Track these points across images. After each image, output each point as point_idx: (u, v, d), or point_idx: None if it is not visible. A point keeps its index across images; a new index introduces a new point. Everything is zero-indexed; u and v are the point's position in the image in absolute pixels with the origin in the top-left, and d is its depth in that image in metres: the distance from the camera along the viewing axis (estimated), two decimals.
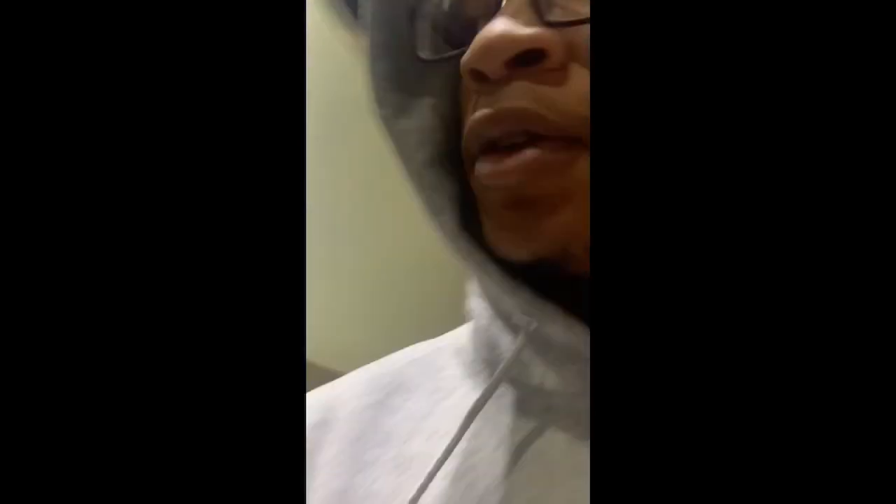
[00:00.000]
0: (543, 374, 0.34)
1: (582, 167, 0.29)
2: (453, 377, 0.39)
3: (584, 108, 0.28)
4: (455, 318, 0.43)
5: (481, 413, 0.34)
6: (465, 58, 0.30)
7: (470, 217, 0.35)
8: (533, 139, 0.30)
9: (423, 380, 0.40)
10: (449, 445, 0.33)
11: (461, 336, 0.42)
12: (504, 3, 0.30)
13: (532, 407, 0.34)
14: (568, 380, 0.33)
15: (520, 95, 0.29)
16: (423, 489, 0.33)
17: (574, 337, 0.32)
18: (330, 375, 0.46)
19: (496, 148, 0.31)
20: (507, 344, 0.36)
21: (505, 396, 0.35)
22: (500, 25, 0.29)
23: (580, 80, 0.29)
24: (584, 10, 0.29)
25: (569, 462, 0.32)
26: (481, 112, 0.31)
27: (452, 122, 0.36)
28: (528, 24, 0.29)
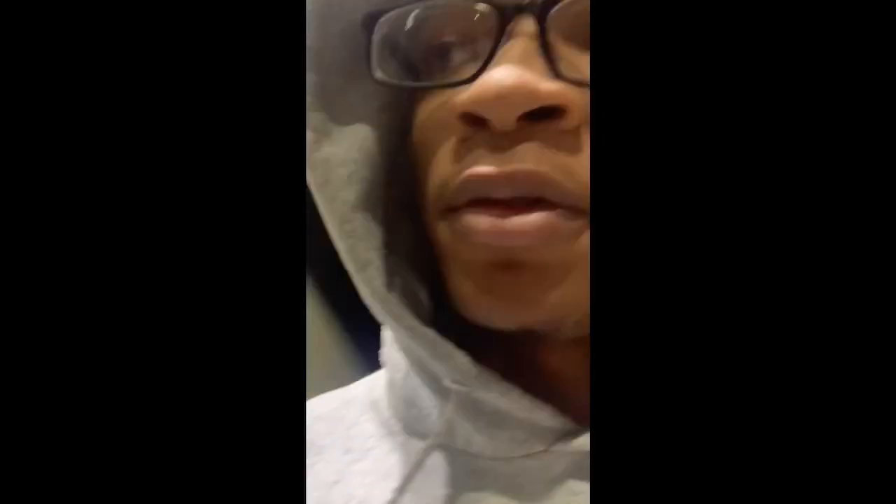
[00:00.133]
0: (469, 438, 0.33)
1: (587, 241, 0.28)
2: (366, 436, 0.36)
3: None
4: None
5: (399, 474, 0.33)
6: (464, 98, 0.27)
7: (395, 272, 0.32)
8: (538, 200, 0.27)
9: (333, 439, 0.37)
10: None
11: (374, 388, 0.38)
12: (505, 45, 0.27)
13: (457, 471, 0.33)
14: (498, 446, 0.32)
15: (536, 157, 0.27)
16: None
17: (509, 403, 0.30)
18: None
19: (494, 202, 0.27)
20: (428, 401, 0.34)
21: (426, 460, 0.33)
22: (515, 72, 0.26)
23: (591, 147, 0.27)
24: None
25: None
26: (486, 168, 0.27)
27: (382, 156, 0.32)
28: (543, 74, 0.26)
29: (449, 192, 0.28)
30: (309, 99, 0.30)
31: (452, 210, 0.29)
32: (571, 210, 0.27)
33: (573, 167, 0.27)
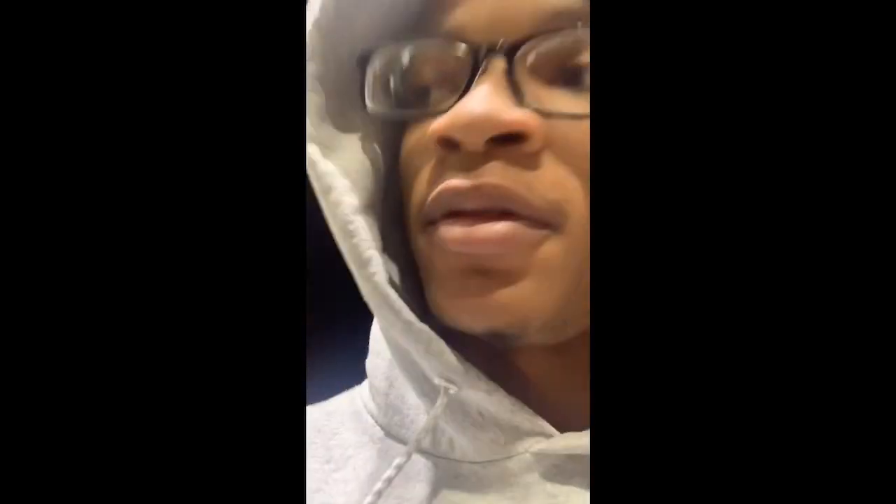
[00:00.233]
0: (452, 442, 0.34)
1: (548, 249, 0.30)
2: (347, 445, 0.38)
3: (555, 194, 0.30)
4: None
5: (380, 479, 0.33)
6: (440, 124, 0.30)
7: (391, 273, 0.34)
8: (505, 213, 0.30)
9: (314, 449, 0.39)
10: None
11: (354, 399, 0.40)
12: (477, 81, 0.30)
13: (438, 475, 0.34)
14: (480, 448, 0.33)
15: (500, 173, 0.30)
16: None
17: (493, 404, 0.32)
18: None
19: (464, 214, 0.31)
20: (413, 408, 0.36)
21: (407, 465, 0.34)
22: (484, 103, 0.29)
23: (552, 168, 0.30)
24: (556, 105, 0.30)
25: None
26: (458, 181, 0.30)
27: (378, 172, 0.35)
28: (509, 105, 0.30)
29: (427, 207, 0.32)
30: (313, 117, 0.33)
31: (431, 223, 0.32)
32: (534, 221, 0.30)
33: (534, 183, 0.30)
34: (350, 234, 0.32)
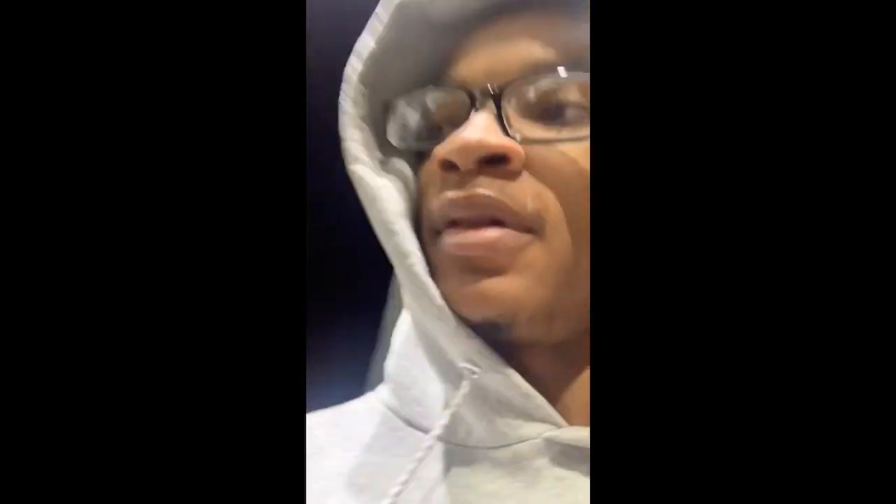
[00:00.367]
0: (470, 428, 0.39)
1: (531, 253, 0.37)
2: (366, 435, 0.43)
3: (534, 204, 0.37)
4: None
5: (399, 464, 0.37)
6: (441, 149, 0.38)
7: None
8: (493, 222, 0.37)
9: (332, 439, 0.43)
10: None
11: (370, 400, 0.46)
12: (472, 117, 0.38)
13: (455, 461, 0.39)
14: (495, 432, 0.38)
15: (488, 185, 0.37)
16: None
17: (511, 389, 0.37)
18: None
19: (459, 224, 0.38)
20: (435, 399, 0.41)
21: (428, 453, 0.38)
22: (476, 133, 0.37)
23: (531, 183, 0.37)
24: (534, 134, 0.37)
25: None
26: (454, 193, 0.38)
27: (410, 190, 0.42)
28: (496, 134, 0.37)
29: (433, 217, 0.39)
30: (359, 146, 0.41)
31: (437, 232, 0.39)
32: (519, 227, 0.37)
33: (516, 194, 0.37)
34: (393, 233, 0.39)
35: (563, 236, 0.37)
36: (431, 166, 0.40)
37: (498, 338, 0.38)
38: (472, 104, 0.38)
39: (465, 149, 0.37)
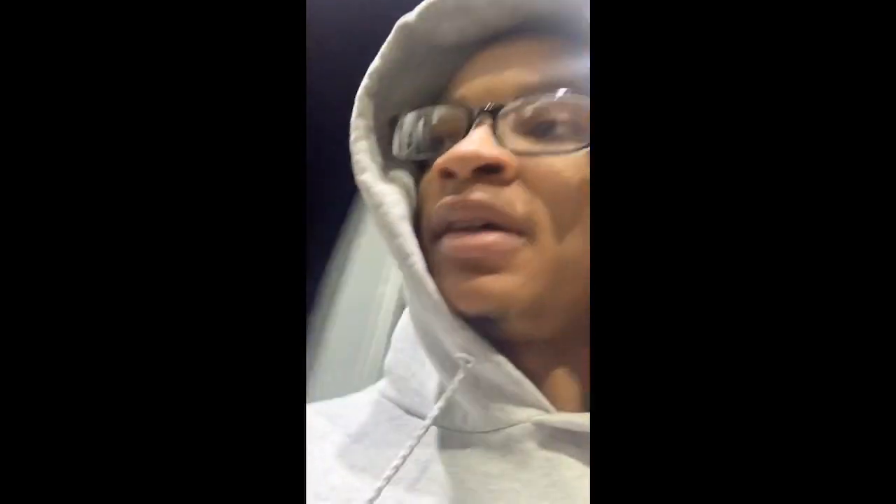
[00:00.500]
0: (465, 414, 0.42)
1: (523, 255, 0.40)
2: (366, 422, 0.46)
3: (525, 209, 0.40)
4: None
5: (398, 448, 0.40)
6: (440, 160, 0.42)
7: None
8: (487, 226, 0.41)
9: (333, 427, 0.46)
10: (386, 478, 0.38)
11: (371, 392, 0.49)
12: (471, 132, 0.42)
13: (451, 444, 0.42)
14: (489, 417, 0.41)
15: (483, 192, 0.41)
16: None
17: (503, 376, 0.41)
18: None
19: (457, 228, 0.41)
20: (431, 390, 0.44)
21: (425, 436, 0.41)
22: (472, 144, 0.41)
23: (522, 191, 0.41)
24: (525, 147, 0.41)
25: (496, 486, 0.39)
26: (451, 198, 0.42)
27: (412, 197, 0.46)
28: (490, 146, 0.41)
29: (433, 222, 0.43)
30: (367, 156, 0.44)
31: (437, 237, 0.43)
32: (512, 231, 0.41)
33: (509, 199, 0.41)
34: (395, 235, 0.42)
35: (552, 239, 0.41)
36: (432, 175, 0.44)
37: (491, 333, 0.42)
38: (471, 120, 0.43)
39: (463, 158, 0.41)
